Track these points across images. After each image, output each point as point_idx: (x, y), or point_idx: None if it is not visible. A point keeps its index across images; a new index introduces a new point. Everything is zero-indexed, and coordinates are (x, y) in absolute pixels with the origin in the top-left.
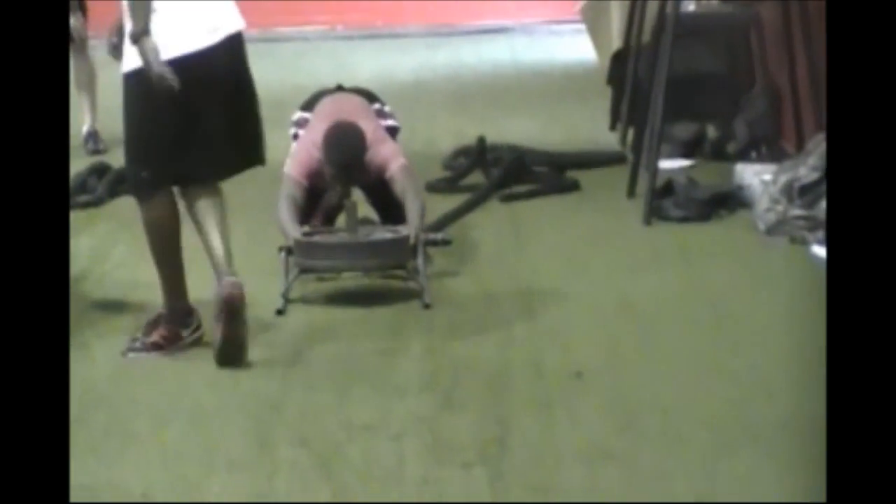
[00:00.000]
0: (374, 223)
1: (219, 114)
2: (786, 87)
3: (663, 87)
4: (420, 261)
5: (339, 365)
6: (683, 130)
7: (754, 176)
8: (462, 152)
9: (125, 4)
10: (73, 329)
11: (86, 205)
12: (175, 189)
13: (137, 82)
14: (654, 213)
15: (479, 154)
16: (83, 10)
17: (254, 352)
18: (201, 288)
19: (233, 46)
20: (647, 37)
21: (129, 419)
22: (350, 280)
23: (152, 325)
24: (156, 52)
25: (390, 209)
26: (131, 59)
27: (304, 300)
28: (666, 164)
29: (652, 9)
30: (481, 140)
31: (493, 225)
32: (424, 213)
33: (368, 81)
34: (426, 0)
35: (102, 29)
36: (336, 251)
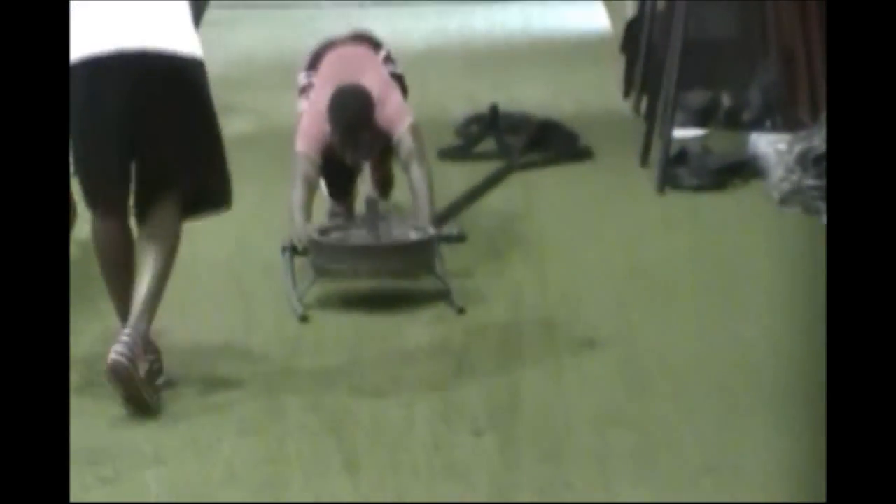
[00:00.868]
0: (386, 215)
1: (159, 144)
2: (800, 55)
3: (678, 55)
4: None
5: (350, 331)
6: (697, 98)
7: (769, 145)
8: (475, 120)
9: None
10: (74, 301)
11: None
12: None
13: (77, 78)
14: (668, 182)
15: (491, 121)
16: None
17: (264, 320)
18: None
19: (176, 69)
20: (661, 4)
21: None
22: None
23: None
24: None
25: (388, 180)
26: (77, 46)
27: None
28: (679, 132)
29: None
30: (494, 108)
31: (504, 191)
32: (433, 198)
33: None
34: None
35: None
36: (358, 254)
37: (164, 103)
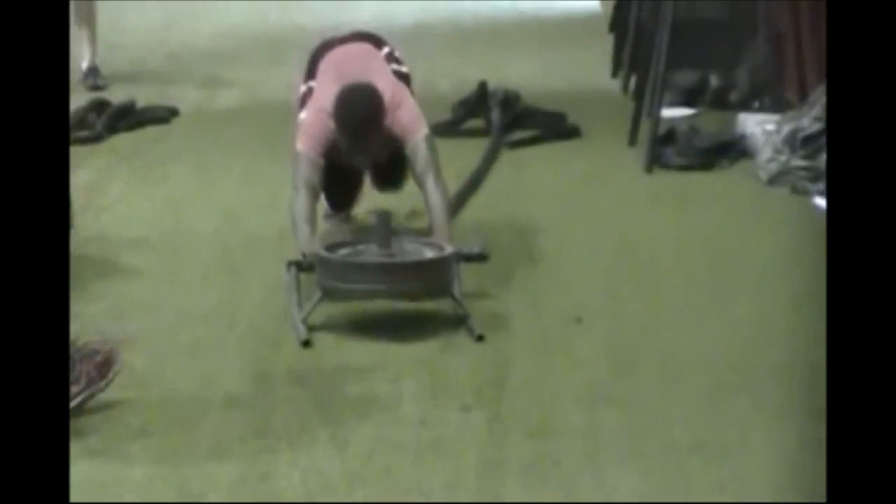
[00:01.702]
0: (398, 230)
1: None
2: (789, 36)
3: (667, 35)
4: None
5: (337, 307)
6: (685, 78)
7: (757, 125)
8: (467, 101)
9: None
10: (71, 264)
11: (84, 140)
12: None
13: None
14: (656, 161)
15: (479, 99)
16: None
17: (251, 293)
18: None
19: None
20: None
21: (126, 354)
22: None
23: None
24: None
25: (395, 182)
26: None
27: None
28: (668, 111)
29: None
30: (482, 85)
31: (493, 169)
32: (450, 214)
33: (368, 24)
34: None
35: None
36: (370, 273)
37: None
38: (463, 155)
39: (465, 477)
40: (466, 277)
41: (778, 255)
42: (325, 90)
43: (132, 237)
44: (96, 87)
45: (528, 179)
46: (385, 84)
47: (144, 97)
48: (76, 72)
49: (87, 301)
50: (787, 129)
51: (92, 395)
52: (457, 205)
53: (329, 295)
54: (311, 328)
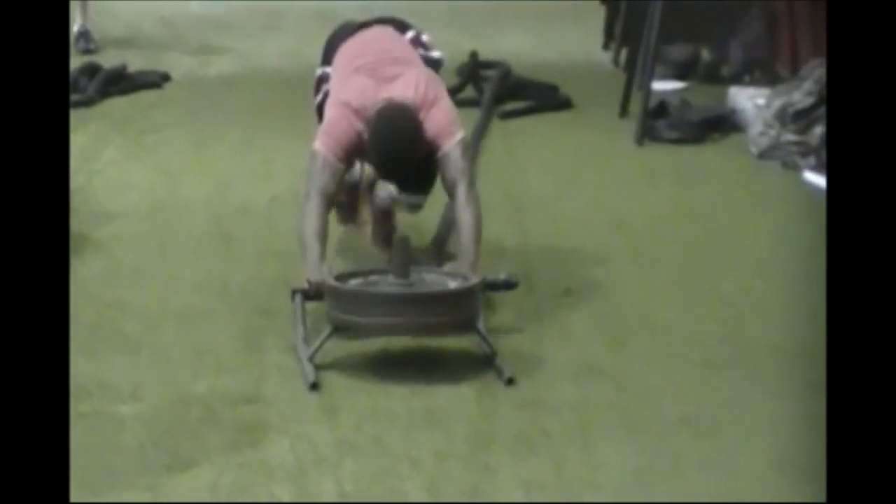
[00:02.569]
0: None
1: None
2: (782, 10)
3: (659, 7)
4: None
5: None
6: (677, 52)
7: (748, 100)
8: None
9: None
10: None
11: (76, 104)
12: None
13: None
14: (647, 134)
15: (472, 69)
16: None
17: (243, 260)
18: None
19: None
20: None
21: (118, 320)
22: None
23: None
24: None
25: (422, 186)
26: None
27: None
28: (659, 85)
29: None
30: (474, 55)
31: (485, 141)
32: (481, 232)
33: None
34: None
35: None
36: (386, 306)
37: None
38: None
39: (455, 446)
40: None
41: (769, 231)
42: (349, 81)
43: (124, 204)
44: (88, 51)
45: (520, 151)
46: (418, 78)
47: (137, 62)
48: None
49: (78, 266)
50: (778, 103)
51: None
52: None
53: (340, 329)
54: (322, 366)
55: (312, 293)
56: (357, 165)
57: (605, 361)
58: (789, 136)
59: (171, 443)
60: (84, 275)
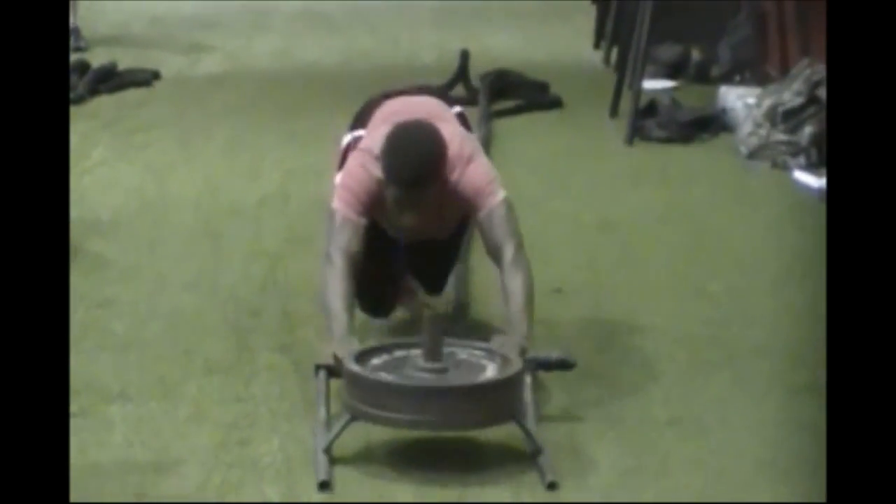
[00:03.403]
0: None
1: None
2: (771, 11)
3: (650, 7)
4: (529, 393)
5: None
6: (667, 52)
7: (738, 99)
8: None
9: None
10: None
11: None
12: None
13: None
14: (637, 133)
15: (461, 68)
16: None
17: (232, 260)
18: None
19: None
20: None
21: (106, 319)
22: None
23: None
24: None
25: (442, 270)
26: None
27: None
28: (649, 84)
29: None
30: (464, 53)
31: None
32: (533, 302)
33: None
34: None
35: None
36: (412, 399)
37: None
38: None
39: (443, 442)
40: None
41: (758, 231)
42: (375, 133)
43: (114, 203)
44: (77, 49)
45: (510, 149)
46: (453, 132)
47: (126, 61)
48: None
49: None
50: (767, 103)
51: None
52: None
53: (357, 417)
54: (292, 293)
55: (339, 370)
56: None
57: (594, 362)
58: (779, 136)
59: (160, 442)
60: (73, 274)
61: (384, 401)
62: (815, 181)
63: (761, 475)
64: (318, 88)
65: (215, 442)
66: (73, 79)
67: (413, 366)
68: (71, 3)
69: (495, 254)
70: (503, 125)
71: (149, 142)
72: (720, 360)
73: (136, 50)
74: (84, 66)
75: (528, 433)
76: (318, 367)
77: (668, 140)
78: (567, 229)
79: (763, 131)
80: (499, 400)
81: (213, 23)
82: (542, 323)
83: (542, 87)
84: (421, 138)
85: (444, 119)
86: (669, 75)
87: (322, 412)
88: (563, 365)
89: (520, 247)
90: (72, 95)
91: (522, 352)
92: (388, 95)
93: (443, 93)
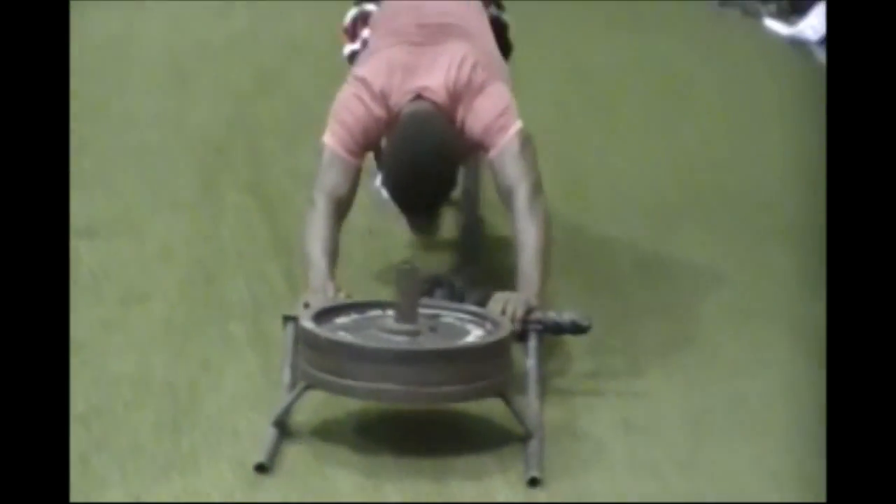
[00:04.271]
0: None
1: None
2: None
3: None
4: (532, 361)
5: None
6: None
7: None
8: None
9: None
10: None
11: None
12: None
13: None
14: None
15: None
16: None
17: (200, 100)
18: None
19: None
20: None
21: (73, 155)
22: None
23: None
24: None
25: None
26: None
27: None
28: None
29: None
30: None
31: None
32: (549, 253)
33: None
34: None
35: None
36: (376, 365)
37: None
38: None
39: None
40: None
41: (728, 79)
42: (378, 53)
43: (79, 40)
44: None
45: None
46: (464, 56)
47: None
48: None
49: None
50: None
51: None
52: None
53: (314, 388)
54: (260, 132)
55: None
56: None
57: (561, 208)
58: None
59: (126, 277)
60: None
61: (340, 366)
62: (784, 29)
63: (726, 319)
64: None
65: (182, 279)
66: None
67: (381, 327)
68: None
69: (506, 198)
70: None
71: None
72: (688, 206)
73: None
74: None
75: (516, 413)
76: (286, 319)
77: None
78: (536, 78)
79: None
80: (477, 370)
81: None
82: None
83: None
84: (428, 159)
85: (459, 33)
86: None
87: (286, 373)
88: (576, 328)
89: (535, 189)
90: None
91: (529, 311)
92: None
93: None
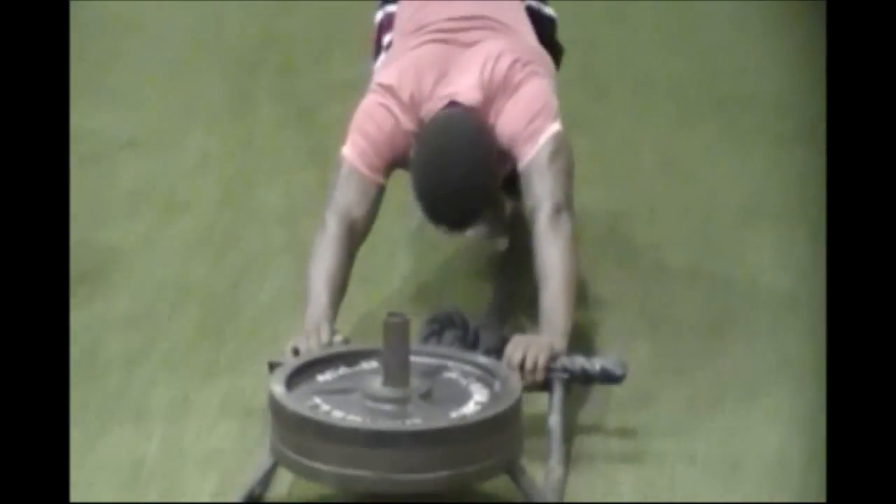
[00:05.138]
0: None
1: None
2: None
3: None
4: (556, 417)
5: (318, 31)
6: None
7: None
8: None
9: None
10: None
11: None
12: None
13: None
14: None
15: None
16: None
17: (233, 16)
18: None
19: None
20: None
21: (107, 73)
22: None
23: None
24: None
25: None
26: None
27: None
28: None
29: None
30: None
31: None
32: (575, 283)
33: None
34: None
35: None
36: (348, 447)
37: None
38: None
39: None
40: None
41: None
42: (404, 55)
43: None
44: None
45: None
46: (501, 54)
47: None
48: None
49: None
50: None
51: None
52: None
53: (281, 464)
54: (293, 42)
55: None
56: None
57: (587, 113)
58: None
59: (167, 187)
60: (72, 30)
61: (305, 444)
62: None
63: (745, 223)
64: None
65: (221, 189)
66: None
67: (366, 391)
68: None
69: (528, 219)
70: None
71: None
72: (708, 110)
73: None
74: None
75: (526, 493)
76: (271, 366)
77: None
78: None
79: None
80: (469, 452)
81: None
82: None
83: None
84: (461, 162)
85: (501, 24)
86: None
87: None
88: (608, 377)
89: (559, 208)
90: None
91: (553, 358)
92: None
93: None
